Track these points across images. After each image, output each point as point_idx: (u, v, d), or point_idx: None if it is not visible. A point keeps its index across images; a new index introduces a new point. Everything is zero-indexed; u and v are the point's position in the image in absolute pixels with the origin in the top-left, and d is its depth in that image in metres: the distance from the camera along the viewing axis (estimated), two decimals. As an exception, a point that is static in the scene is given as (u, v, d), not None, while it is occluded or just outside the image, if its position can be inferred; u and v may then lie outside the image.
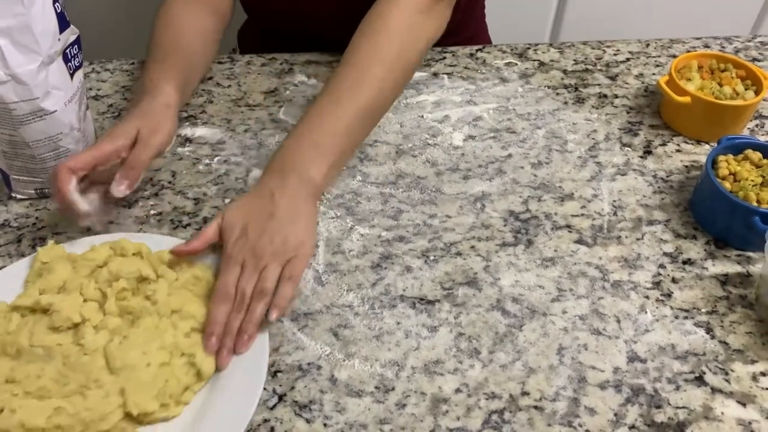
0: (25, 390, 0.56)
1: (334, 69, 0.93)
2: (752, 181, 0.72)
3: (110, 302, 0.61)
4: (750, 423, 0.58)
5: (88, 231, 0.71)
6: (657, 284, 0.69)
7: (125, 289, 0.62)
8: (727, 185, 0.72)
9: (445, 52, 0.98)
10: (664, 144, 0.85)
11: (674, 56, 0.99)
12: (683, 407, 0.59)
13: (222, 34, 0.91)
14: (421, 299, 0.67)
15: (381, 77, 0.75)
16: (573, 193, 0.78)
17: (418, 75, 0.94)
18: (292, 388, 0.60)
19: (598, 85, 0.94)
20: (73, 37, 0.71)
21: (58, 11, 0.68)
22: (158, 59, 0.81)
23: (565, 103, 0.91)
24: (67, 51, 0.70)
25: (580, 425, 0.58)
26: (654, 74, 0.96)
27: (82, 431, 0.55)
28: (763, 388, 0.61)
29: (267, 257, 0.64)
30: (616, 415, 0.59)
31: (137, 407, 0.56)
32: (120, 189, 0.67)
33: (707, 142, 0.85)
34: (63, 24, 0.69)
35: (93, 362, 0.57)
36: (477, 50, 0.99)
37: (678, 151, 0.84)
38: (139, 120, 0.71)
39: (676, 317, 0.66)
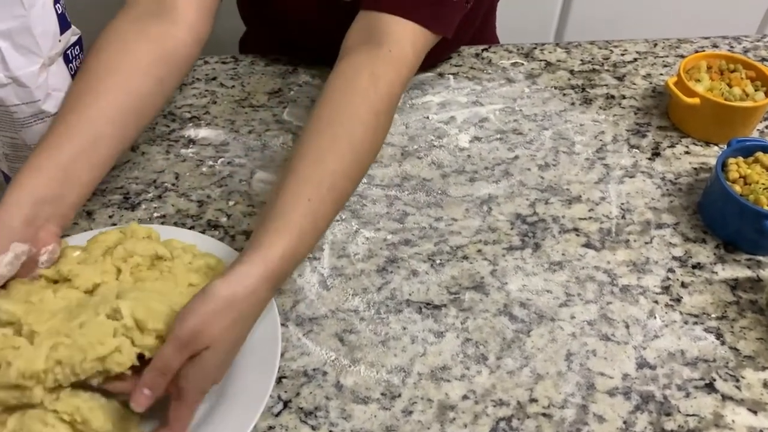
0: (33, 329, 0.53)
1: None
2: (763, 184, 0.71)
3: (125, 274, 0.60)
4: (761, 431, 0.58)
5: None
6: (666, 289, 0.68)
7: (140, 264, 0.60)
8: (737, 188, 0.71)
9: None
10: (672, 146, 0.84)
11: (682, 56, 0.98)
12: (693, 415, 0.59)
13: (179, 81, 0.73)
14: (428, 304, 0.66)
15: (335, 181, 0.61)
16: (581, 196, 0.77)
17: (423, 75, 0.93)
18: (298, 394, 0.59)
19: (606, 85, 0.93)
20: (74, 38, 0.71)
21: (59, 12, 0.67)
22: (51, 133, 0.62)
23: (572, 103, 0.90)
24: (68, 52, 0.70)
25: (589, 433, 0.57)
26: (662, 74, 0.95)
27: (82, 360, 0.51)
28: (774, 395, 0.60)
29: (210, 382, 0.55)
30: (625, 422, 0.58)
31: (133, 314, 0.53)
32: None
33: (716, 144, 0.84)
34: (64, 25, 0.68)
35: (103, 302, 0.55)
36: (483, 50, 0.98)
37: (687, 153, 0.83)
38: None
39: (686, 323, 0.65)
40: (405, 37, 0.70)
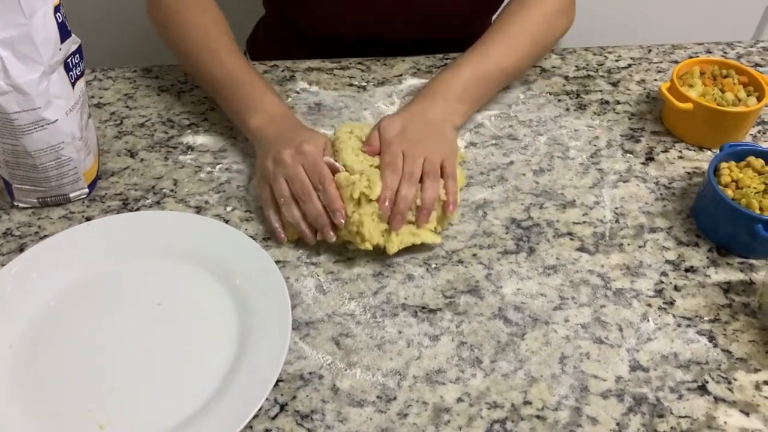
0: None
1: (337, 76, 0.94)
2: (755, 188, 0.72)
3: None
4: (753, 432, 0.58)
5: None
6: (659, 292, 0.69)
7: None
8: (730, 192, 0.72)
9: (447, 59, 0.98)
10: (666, 150, 0.85)
11: (676, 62, 0.99)
12: (686, 416, 0.59)
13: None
14: (423, 308, 0.67)
15: (527, 49, 0.87)
16: (575, 201, 0.78)
17: (419, 81, 0.94)
18: (294, 397, 0.60)
19: (600, 91, 0.94)
20: (74, 47, 0.71)
21: (60, 21, 0.68)
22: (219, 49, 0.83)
23: (567, 109, 0.91)
24: (69, 60, 0.71)
25: (583, 435, 0.58)
26: (656, 80, 0.96)
27: None
28: (766, 396, 0.61)
29: (425, 151, 0.72)
30: (618, 424, 0.58)
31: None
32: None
33: (709, 149, 0.85)
34: (64, 33, 0.69)
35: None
36: (478, 56, 0.99)
37: (680, 157, 0.84)
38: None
39: (679, 325, 0.66)
40: None
